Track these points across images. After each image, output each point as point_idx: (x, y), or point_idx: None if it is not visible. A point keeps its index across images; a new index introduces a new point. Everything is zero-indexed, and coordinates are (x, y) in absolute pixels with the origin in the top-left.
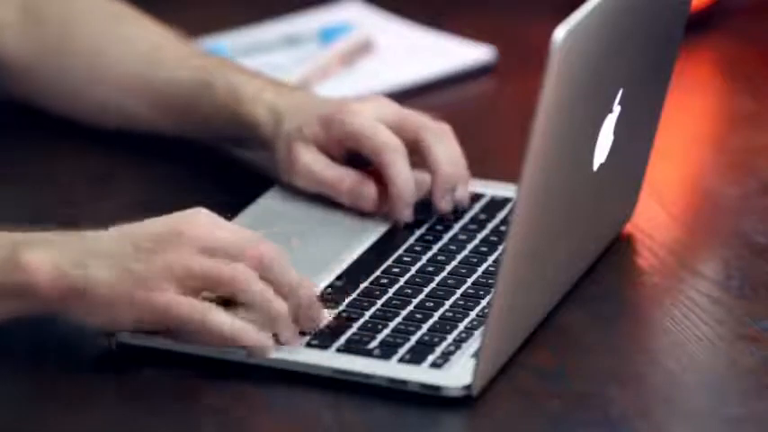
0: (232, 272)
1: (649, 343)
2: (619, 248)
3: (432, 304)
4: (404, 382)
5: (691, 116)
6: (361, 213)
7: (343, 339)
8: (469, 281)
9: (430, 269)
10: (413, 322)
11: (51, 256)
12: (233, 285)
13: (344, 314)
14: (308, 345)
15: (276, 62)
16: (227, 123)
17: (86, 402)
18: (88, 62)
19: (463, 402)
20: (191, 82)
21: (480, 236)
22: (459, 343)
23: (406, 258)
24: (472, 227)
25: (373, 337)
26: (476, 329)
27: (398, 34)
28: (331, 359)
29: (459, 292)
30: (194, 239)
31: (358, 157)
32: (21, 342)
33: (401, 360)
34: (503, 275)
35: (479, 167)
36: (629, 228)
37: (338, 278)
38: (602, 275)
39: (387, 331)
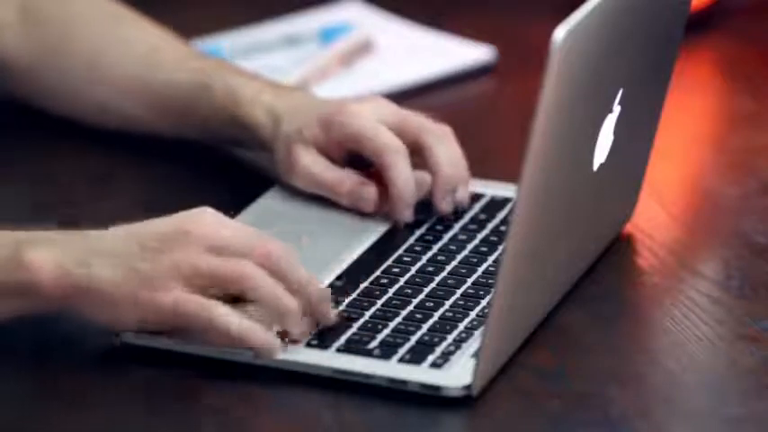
0: (241, 269)
1: (649, 343)
2: (619, 248)
3: (432, 304)
4: (404, 382)
5: (691, 116)
6: (361, 213)
7: (343, 339)
8: (469, 281)
9: (430, 269)
10: (413, 322)
11: (54, 255)
12: (242, 283)
13: (344, 314)
14: (308, 345)
15: (275, 63)
16: (226, 125)
17: (88, 401)
18: (87, 63)
19: (463, 402)
20: (189, 84)
21: (480, 236)
22: (459, 343)
23: (406, 258)
24: (472, 227)
25: (373, 337)
26: (476, 329)
27: (398, 34)
28: (331, 359)
29: (459, 292)
30: (200, 238)
31: (358, 159)
32: (23, 341)
33: (401, 360)
34: (503, 275)
35: (479, 167)
36: (629, 228)
37: (338, 278)
38: (602, 275)
39: (387, 331)
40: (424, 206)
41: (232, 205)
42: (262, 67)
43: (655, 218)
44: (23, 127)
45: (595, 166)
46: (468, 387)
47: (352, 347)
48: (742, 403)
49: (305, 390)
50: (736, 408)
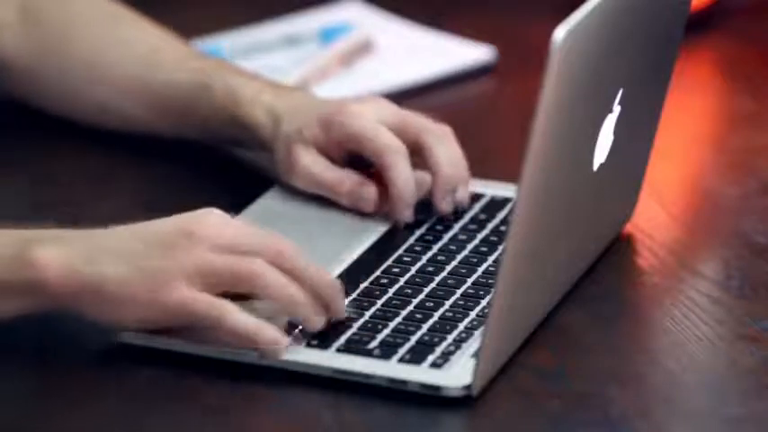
0: (252, 267)
1: (649, 343)
2: (619, 248)
3: (432, 304)
4: (404, 382)
5: (691, 116)
6: (361, 213)
7: (343, 339)
8: (469, 281)
9: (430, 269)
10: (413, 322)
11: (62, 253)
12: (253, 281)
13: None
14: (308, 345)
15: (275, 63)
16: (226, 125)
17: (89, 401)
18: (87, 63)
19: (463, 402)
20: (189, 84)
21: (480, 236)
22: (459, 343)
23: (406, 258)
24: (472, 227)
25: (373, 337)
26: (476, 329)
27: (398, 34)
28: (331, 359)
29: (459, 292)
30: (208, 238)
31: (358, 159)
32: (25, 340)
33: (401, 360)
34: (503, 275)
35: (479, 168)
36: (629, 228)
37: (338, 278)
38: (602, 275)
39: (387, 331)
40: (424, 206)
41: (232, 205)
42: (262, 67)
43: (655, 218)
44: (23, 127)
45: (595, 166)
46: (468, 387)
47: (352, 347)
48: (742, 403)
49: (305, 390)
50: (736, 408)
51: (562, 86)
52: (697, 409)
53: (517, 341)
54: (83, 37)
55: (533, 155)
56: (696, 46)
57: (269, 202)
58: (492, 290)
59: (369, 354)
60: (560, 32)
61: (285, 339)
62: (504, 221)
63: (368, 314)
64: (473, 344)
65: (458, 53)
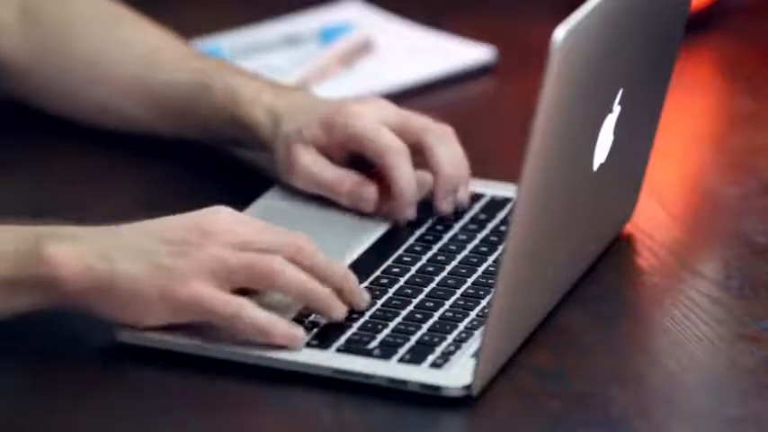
0: (271, 264)
1: (649, 343)
2: (619, 248)
3: (432, 304)
4: (404, 382)
5: (691, 116)
6: (361, 213)
7: (343, 339)
8: (469, 281)
9: (430, 269)
10: (413, 322)
11: (76, 250)
12: (272, 277)
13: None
14: (308, 345)
15: (275, 63)
16: (226, 125)
17: (89, 400)
18: (87, 63)
19: (463, 402)
20: (189, 84)
21: (480, 236)
22: (459, 343)
23: (406, 258)
24: (472, 227)
25: (373, 337)
26: (476, 329)
27: (398, 34)
28: (331, 359)
29: (459, 292)
30: (222, 235)
31: (358, 159)
32: (26, 338)
33: (401, 360)
34: (503, 275)
35: (480, 168)
36: (629, 228)
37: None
38: (602, 275)
39: (387, 331)
40: (425, 206)
41: (232, 205)
42: (262, 67)
43: (655, 218)
44: (23, 127)
45: (595, 166)
46: (468, 387)
47: (352, 347)
48: (742, 403)
49: (305, 390)
50: (736, 408)
51: (562, 86)
52: (697, 409)
53: (517, 341)
54: (83, 37)
55: (533, 155)
56: (696, 46)
57: (269, 201)
58: (492, 290)
59: (369, 354)
60: (560, 32)
61: (300, 333)
62: (504, 221)
63: (368, 314)
64: (473, 344)
65: (458, 53)
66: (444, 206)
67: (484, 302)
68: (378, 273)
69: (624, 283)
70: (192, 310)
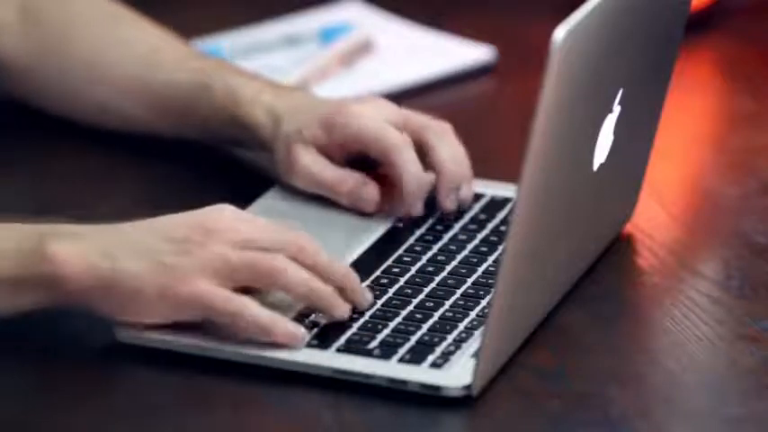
0: (273, 263)
1: (649, 343)
2: (619, 248)
3: (432, 304)
4: (404, 382)
5: (691, 116)
6: (362, 213)
7: (343, 339)
8: (469, 281)
9: (430, 269)
10: (413, 322)
11: (79, 248)
12: (274, 276)
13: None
14: (308, 345)
15: (275, 63)
16: (226, 125)
17: (90, 399)
18: (87, 63)
19: (463, 402)
20: (189, 84)
21: (480, 236)
22: (459, 343)
23: (406, 258)
24: (472, 227)
25: (373, 337)
26: (476, 329)
27: (398, 34)
28: (331, 359)
29: (459, 292)
30: (224, 233)
31: (358, 160)
32: (28, 336)
33: (401, 360)
34: (503, 275)
35: (480, 167)
36: (629, 228)
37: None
38: (602, 275)
39: (387, 331)
40: (425, 206)
41: (233, 205)
42: (262, 67)
43: (655, 218)
44: (23, 127)
45: (595, 166)
46: (468, 387)
47: (352, 347)
48: (742, 403)
49: (305, 390)
50: (736, 408)
51: (562, 86)
52: (697, 409)
53: (517, 341)
54: (83, 37)
55: (533, 155)
56: (696, 46)
57: (269, 201)
58: (492, 290)
59: (369, 354)
60: (560, 32)
61: (302, 332)
62: (504, 221)
63: (368, 314)
64: (473, 344)
65: (458, 53)
66: (448, 204)
67: (484, 302)
68: (378, 273)
69: (624, 283)
70: (193, 307)
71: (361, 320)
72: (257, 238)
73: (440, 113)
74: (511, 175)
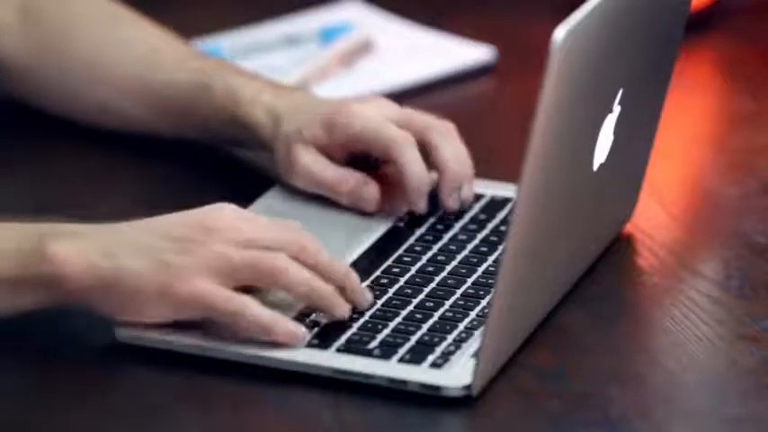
0: (274, 262)
1: (649, 343)
2: (619, 248)
3: (432, 304)
4: (404, 382)
5: (691, 116)
6: (362, 213)
7: (343, 339)
8: (469, 281)
9: (430, 269)
10: (413, 322)
11: (79, 248)
12: (275, 275)
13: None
14: (308, 345)
15: (275, 63)
16: (226, 125)
17: (90, 399)
18: (87, 63)
19: (463, 402)
20: (189, 84)
21: (480, 236)
22: (459, 343)
23: (406, 258)
24: (472, 227)
25: (373, 337)
26: (476, 329)
27: (398, 34)
28: (331, 359)
29: (459, 292)
30: (225, 232)
31: (359, 160)
32: (28, 336)
33: (401, 360)
34: (503, 275)
35: (479, 167)
36: (629, 228)
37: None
38: (602, 275)
39: (387, 331)
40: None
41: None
42: (262, 67)
43: (655, 218)
44: (23, 127)
45: (595, 166)
46: (468, 387)
47: (352, 347)
48: (742, 403)
49: (305, 390)
50: (736, 408)
51: (562, 86)
52: (697, 409)
53: (517, 341)
54: (83, 37)
55: (533, 155)
56: (696, 46)
57: (269, 201)
58: (492, 290)
59: (369, 354)
60: (560, 32)
61: (303, 331)
62: (504, 221)
63: (368, 314)
64: (473, 344)
65: (458, 53)
66: (450, 203)
67: (484, 302)
68: (378, 273)
69: (624, 283)
70: (194, 307)
71: (362, 320)
72: (258, 237)
73: (440, 113)
74: (511, 175)
